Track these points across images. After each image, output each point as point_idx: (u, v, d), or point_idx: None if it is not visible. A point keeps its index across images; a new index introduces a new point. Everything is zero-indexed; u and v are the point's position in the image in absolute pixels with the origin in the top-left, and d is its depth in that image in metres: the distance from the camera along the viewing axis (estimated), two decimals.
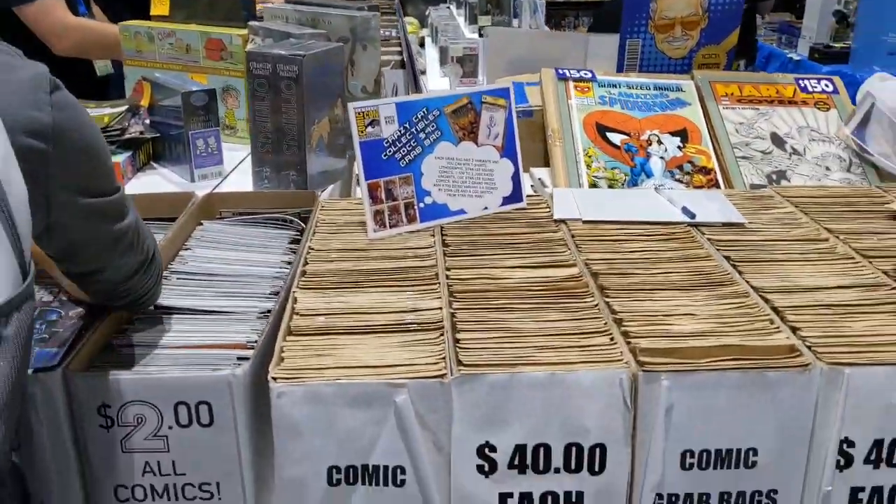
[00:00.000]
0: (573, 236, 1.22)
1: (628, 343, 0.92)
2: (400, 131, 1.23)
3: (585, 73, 1.70)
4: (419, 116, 1.24)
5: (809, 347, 0.91)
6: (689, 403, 0.88)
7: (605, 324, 0.96)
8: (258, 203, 1.38)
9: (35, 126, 0.70)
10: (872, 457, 0.90)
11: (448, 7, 4.29)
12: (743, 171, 1.55)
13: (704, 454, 0.90)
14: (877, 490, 0.92)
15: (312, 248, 1.19)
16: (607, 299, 1.02)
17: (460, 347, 0.91)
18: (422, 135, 1.25)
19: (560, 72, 1.70)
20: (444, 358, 0.90)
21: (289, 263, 1.19)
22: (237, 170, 1.63)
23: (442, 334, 0.95)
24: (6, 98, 0.68)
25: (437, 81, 3.19)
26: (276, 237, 1.29)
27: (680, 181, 1.52)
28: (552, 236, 1.22)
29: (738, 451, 0.90)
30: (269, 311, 1.04)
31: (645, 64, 1.85)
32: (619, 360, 0.89)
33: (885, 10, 3.94)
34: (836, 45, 4.24)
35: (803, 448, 0.90)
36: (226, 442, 0.89)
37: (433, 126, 1.25)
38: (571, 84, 1.67)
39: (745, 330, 0.94)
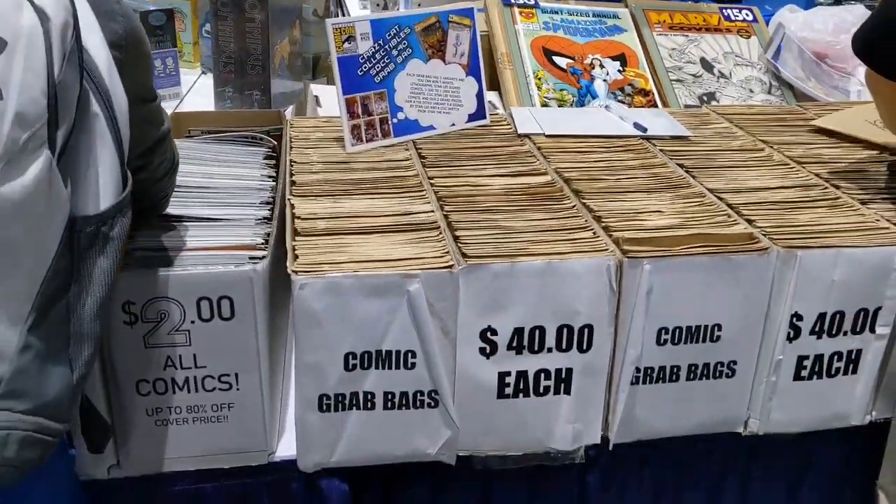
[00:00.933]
0: (539, 149, 1.31)
1: (610, 235, 1.02)
2: (374, 48, 1.28)
3: (529, 0, 1.77)
4: (392, 33, 1.29)
5: (765, 235, 1.03)
6: (665, 286, 0.99)
7: (586, 221, 1.06)
8: (225, 122, 1.40)
9: (113, 38, 0.73)
10: (816, 328, 1.04)
11: None
12: (677, 93, 1.67)
13: (677, 331, 1.01)
14: (818, 358, 1.06)
15: (295, 161, 1.23)
16: (583, 201, 1.12)
17: (462, 243, 0.99)
18: (394, 52, 1.30)
19: None
20: (447, 252, 0.97)
21: (270, 177, 1.23)
22: (192, 92, 1.63)
23: (441, 233, 1.02)
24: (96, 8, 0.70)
25: (356, 13, 3.19)
26: (251, 153, 1.32)
27: (623, 102, 1.62)
28: (520, 149, 1.31)
29: (706, 326, 1.02)
30: (267, 218, 1.08)
31: None
32: (605, 250, 0.99)
33: None
34: None
35: (760, 323, 1.03)
36: (245, 334, 0.94)
37: (405, 43, 1.31)
38: (516, 10, 1.74)
39: (708, 223, 1.06)
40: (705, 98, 1.67)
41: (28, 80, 0.63)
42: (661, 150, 1.32)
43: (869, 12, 2.00)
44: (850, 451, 1.17)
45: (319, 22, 1.70)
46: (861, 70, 1.91)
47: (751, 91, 1.71)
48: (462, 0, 1.97)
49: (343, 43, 1.24)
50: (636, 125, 1.39)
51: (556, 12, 1.77)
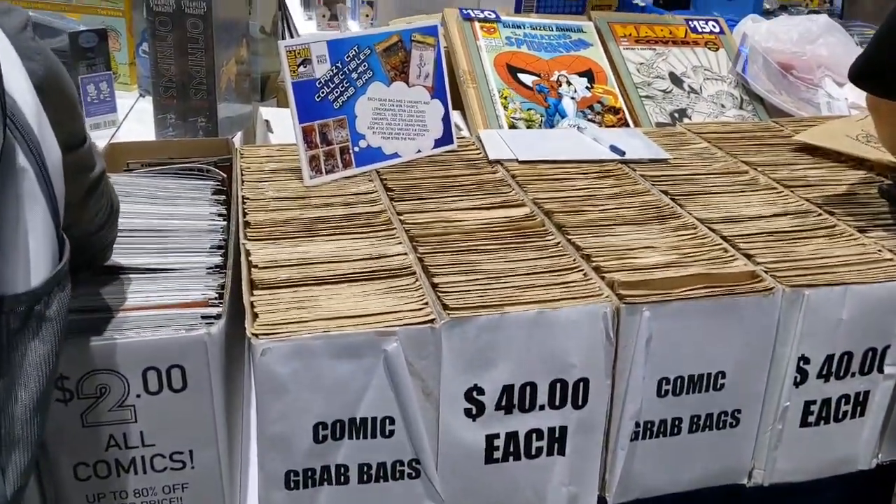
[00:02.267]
0: (513, 176, 1.21)
1: (603, 277, 0.93)
2: (332, 71, 1.17)
3: (490, 14, 1.68)
4: (350, 55, 1.18)
5: (768, 272, 0.96)
6: (666, 332, 0.90)
7: (574, 260, 0.97)
8: (166, 152, 1.28)
9: (32, 79, 0.61)
10: (824, 371, 0.97)
11: None
12: (648, 110, 1.60)
13: (679, 380, 0.93)
14: (825, 402, 0.99)
15: (247, 198, 1.11)
16: (568, 237, 1.02)
17: (441, 291, 0.89)
18: (354, 74, 1.19)
19: (465, 12, 1.67)
20: (426, 303, 0.87)
21: (220, 215, 1.11)
22: (129, 118, 1.50)
23: (417, 279, 0.92)
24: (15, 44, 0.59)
25: (302, 24, 3.06)
26: (197, 188, 1.19)
27: (592, 121, 1.54)
28: (492, 177, 1.21)
29: (709, 374, 0.94)
30: (218, 266, 0.97)
31: (541, 4, 1.86)
32: (599, 295, 0.89)
33: None
34: None
35: (765, 368, 0.96)
36: (200, 406, 0.83)
37: (365, 65, 1.20)
38: (477, 25, 1.65)
39: (704, 259, 0.98)
40: (677, 115, 1.60)
41: None
42: (641, 176, 1.23)
43: (832, 21, 1.98)
44: (855, 495, 1.10)
45: (268, 39, 1.58)
46: (827, 81, 1.88)
47: (722, 106, 1.65)
48: (423, 16, 1.88)
49: (298, 67, 1.13)
50: (613, 148, 1.30)
51: (519, 27, 1.68)
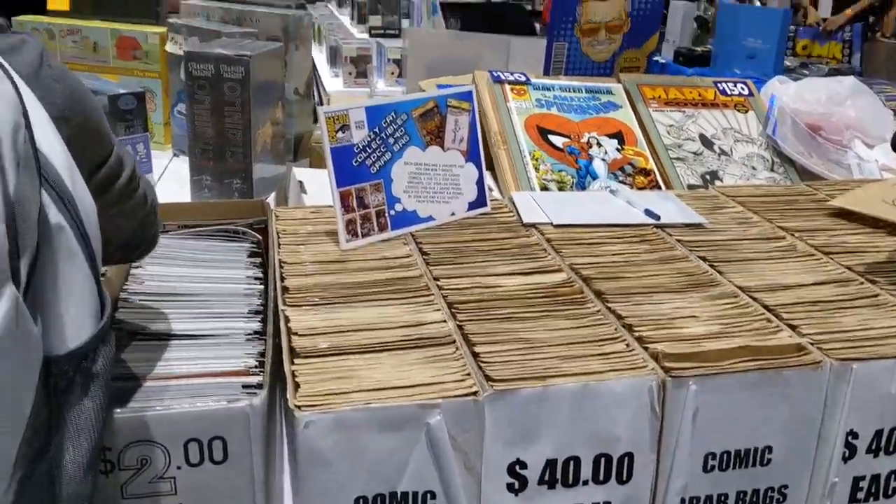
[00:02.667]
0: (548, 240, 1.21)
1: (646, 348, 0.92)
2: (370, 136, 1.17)
3: (519, 76, 1.70)
4: (388, 121, 1.19)
5: (814, 344, 0.94)
6: (713, 406, 0.88)
7: (616, 329, 0.96)
8: (202, 214, 1.28)
9: (54, 111, 0.61)
10: (873, 446, 0.94)
11: (326, 6, 4.20)
12: (679, 172, 1.60)
13: (725, 455, 0.91)
14: (875, 478, 0.96)
15: (285, 262, 1.11)
16: (608, 304, 1.01)
17: (483, 362, 0.88)
18: (391, 140, 1.20)
19: (495, 75, 1.69)
20: (468, 374, 0.86)
21: (257, 279, 1.11)
22: (164, 178, 1.51)
23: (457, 348, 0.91)
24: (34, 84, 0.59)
25: (329, 81, 3.11)
26: (233, 250, 1.20)
27: (624, 182, 1.54)
28: (527, 241, 1.21)
29: (756, 449, 0.91)
30: (257, 333, 0.96)
31: (570, 67, 1.87)
32: (644, 367, 0.88)
33: (741, 16, 4.21)
34: (697, 48, 4.48)
35: (812, 442, 0.93)
36: (240, 478, 0.81)
37: (402, 130, 1.21)
38: (507, 87, 1.67)
39: (748, 330, 0.96)
40: (708, 177, 1.60)
41: None
42: (677, 241, 1.23)
43: (859, 83, 1.99)
44: None
45: (301, 100, 1.60)
46: (857, 143, 1.88)
47: (753, 168, 1.65)
48: (451, 77, 1.90)
49: (336, 132, 1.14)
50: (647, 212, 1.30)
51: (549, 89, 1.70)
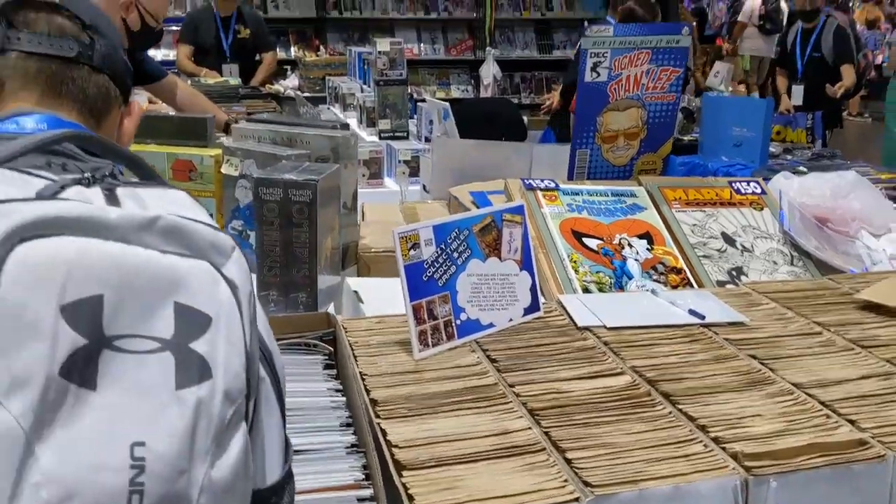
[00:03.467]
0: (605, 343, 1.29)
1: (724, 448, 0.99)
2: (437, 252, 1.26)
3: (549, 183, 1.81)
4: (452, 236, 1.29)
5: (874, 438, 1.02)
6: (791, 501, 0.95)
7: (691, 431, 1.03)
8: (275, 329, 1.35)
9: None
10: None
11: (329, 108, 4.35)
12: (706, 268, 1.70)
13: None
14: None
15: (366, 374, 1.18)
16: (678, 406, 1.09)
17: (578, 468, 0.94)
18: (455, 254, 1.29)
19: (527, 182, 1.80)
20: (566, 480, 0.92)
21: (337, 391, 1.18)
22: None
23: (549, 455, 0.97)
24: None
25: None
26: (309, 363, 1.26)
27: (657, 281, 1.63)
28: (585, 343, 1.29)
29: None
30: (354, 446, 1.02)
31: (591, 171, 1.99)
32: (725, 467, 0.95)
33: (724, 107, 4.42)
34: (684, 137, 4.68)
35: None
36: None
37: (464, 245, 1.30)
38: (540, 193, 1.77)
39: (811, 427, 1.04)
40: (734, 273, 1.70)
41: (230, 354, 0.60)
42: (724, 339, 1.31)
43: (860, 176, 2.12)
44: None
45: (349, 213, 1.69)
46: (864, 234, 1.99)
47: (774, 263, 1.75)
48: (479, 183, 2.01)
49: (409, 250, 1.23)
50: (692, 312, 1.39)
51: (577, 193, 1.81)
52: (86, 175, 0.63)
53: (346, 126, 1.76)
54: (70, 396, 0.54)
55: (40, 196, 0.59)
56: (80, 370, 0.54)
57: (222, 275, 0.61)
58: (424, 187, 2.61)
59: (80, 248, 0.55)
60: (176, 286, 0.58)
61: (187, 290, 0.59)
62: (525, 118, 6.05)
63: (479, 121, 4.27)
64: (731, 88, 6.48)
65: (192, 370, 0.58)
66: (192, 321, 0.59)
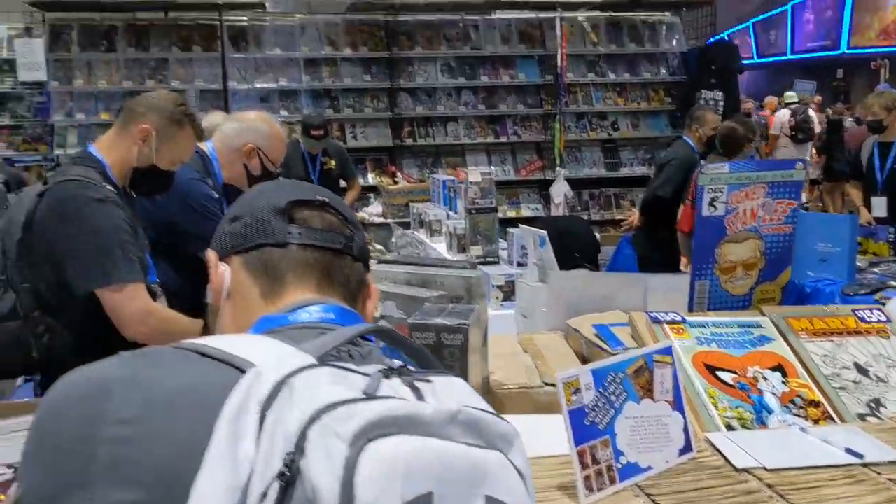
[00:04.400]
0: (769, 486, 1.29)
1: None
2: (597, 396, 1.29)
3: (675, 316, 1.84)
4: (609, 380, 1.32)
5: None
6: None
7: None
8: None
9: None
10: None
11: (413, 233, 4.49)
12: (845, 401, 1.68)
13: None
14: None
15: None
16: None
17: None
18: (613, 397, 1.32)
19: (652, 315, 1.83)
20: None
21: None
22: None
23: None
24: None
25: None
26: None
27: (798, 415, 1.63)
28: (749, 486, 1.29)
29: None
30: None
31: (711, 302, 2.01)
32: None
33: (809, 223, 4.43)
34: None
35: None
36: None
37: (620, 388, 1.33)
38: (667, 327, 1.80)
39: None
40: (873, 405, 1.68)
41: None
42: (888, 479, 1.29)
43: None
44: None
45: (482, 349, 1.74)
46: None
47: None
48: (597, 314, 2.05)
49: (571, 395, 1.26)
50: (850, 451, 1.38)
51: (704, 326, 1.83)
52: (385, 368, 0.69)
53: (474, 266, 1.83)
54: None
55: (368, 395, 0.64)
56: None
57: (512, 464, 0.65)
58: (523, 315, 2.65)
59: (414, 447, 0.60)
60: (483, 478, 0.63)
61: (494, 483, 0.63)
62: (597, 234, 6.14)
63: (552, 238, 4.36)
64: None
65: None
66: None
